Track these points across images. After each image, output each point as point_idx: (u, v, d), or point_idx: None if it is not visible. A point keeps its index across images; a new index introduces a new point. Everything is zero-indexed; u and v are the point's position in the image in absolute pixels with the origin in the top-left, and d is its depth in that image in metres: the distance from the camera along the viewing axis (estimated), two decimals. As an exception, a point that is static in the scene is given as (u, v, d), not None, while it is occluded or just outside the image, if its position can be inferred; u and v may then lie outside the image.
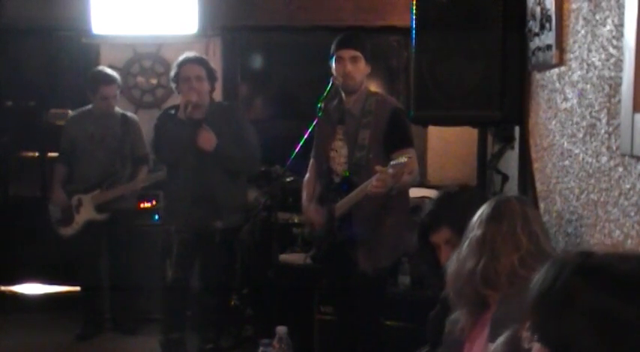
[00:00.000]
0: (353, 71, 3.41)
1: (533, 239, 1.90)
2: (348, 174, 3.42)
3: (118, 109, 4.82)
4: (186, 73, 4.04)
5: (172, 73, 4.13)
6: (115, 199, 4.67)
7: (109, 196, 4.65)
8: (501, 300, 1.85)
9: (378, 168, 3.11)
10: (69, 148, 4.75)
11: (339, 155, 3.47)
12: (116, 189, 4.67)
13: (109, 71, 4.77)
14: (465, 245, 1.94)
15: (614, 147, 2.02)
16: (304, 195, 3.69)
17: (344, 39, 3.46)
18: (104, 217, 4.67)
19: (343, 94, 3.50)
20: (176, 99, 4.88)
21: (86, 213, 4.65)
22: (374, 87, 4.45)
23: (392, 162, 3.12)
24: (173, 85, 4.16)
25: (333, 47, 3.47)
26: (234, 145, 4.05)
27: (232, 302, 4.47)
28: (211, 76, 4.13)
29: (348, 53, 3.40)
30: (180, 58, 4.13)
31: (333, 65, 3.45)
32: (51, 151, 5.26)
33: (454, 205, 2.16)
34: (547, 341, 1.14)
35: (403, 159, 3.08)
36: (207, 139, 3.96)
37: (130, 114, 4.88)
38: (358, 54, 3.41)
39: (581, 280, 1.13)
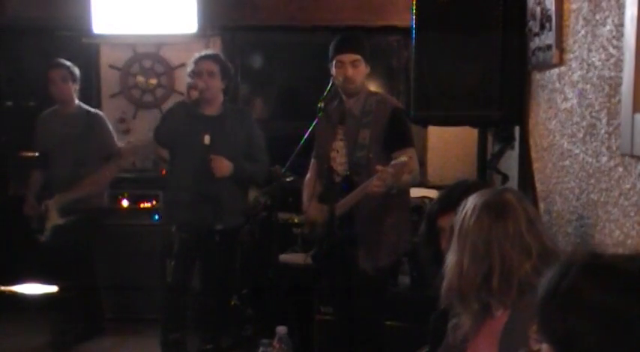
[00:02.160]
0: (354, 75, 3.41)
1: (538, 239, 1.86)
2: (348, 173, 3.41)
3: (82, 106, 4.65)
4: (199, 68, 4.05)
5: (189, 70, 4.13)
6: (80, 200, 4.46)
7: (69, 198, 4.44)
8: (513, 310, 1.81)
9: (378, 167, 3.11)
10: (43, 151, 4.57)
11: (340, 155, 3.47)
12: (75, 191, 4.47)
13: (60, 60, 4.59)
14: (468, 247, 1.87)
15: (614, 147, 2.02)
16: (305, 194, 3.69)
17: (343, 42, 3.45)
18: (68, 221, 4.45)
19: (344, 95, 3.50)
20: (176, 99, 4.90)
21: (52, 218, 4.47)
22: (374, 87, 4.45)
23: (392, 162, 3.12)
24: (189, 80, 4.15)
25: (332, 50, 3.46)
26: (245, 153, 4.06)
27: (232, 302, 4.47)
28: (226, 74, 4.12)
29: (348, 58, 3.40)
30: (197, 54, 4.15)
31: (333, 68, 3.44)
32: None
33: (469, 193, 2.11)
34: (554, 340, 1.14)
35: (404, 159, 3.08)
36: (221, 167, 3.97)
37: (93, 110, 4.70)
38: (359, 57, 3.41)
39: (588, 279, 1.13)
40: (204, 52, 4.21)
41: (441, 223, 2.28)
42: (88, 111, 4.64)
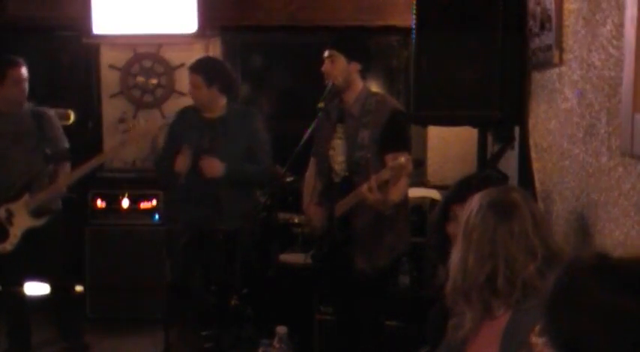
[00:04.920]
0: (329, 69, 3.41)
1: (544, 241, 1.85)
2: (347, 174, 3.41)
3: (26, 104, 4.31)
4: (189, 80, 4.08)
5: None
6: (52, 199, 4.28)
7: (42, 198, 4.22)
8: (515, 311, 1.80)
9: (372, 177, 3.12)
10: None
11: (337, 153, 3.47)
12: (47, 190, 4.23)
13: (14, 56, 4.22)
14: (473, 246, 1.86)
15: (614, 147, 2.02)
16: (305, 193, 3.69)
17: (329, 39, 3.51)
18: (43, 222, 4.22)
19: (342, 93, 3.50)
20: (176, 99, 4.91)
21: (22, 222, 4.19)
22: (374, 87, 4.45)
23: (390, 164, 3.12)
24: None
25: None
26: (247, 154, 4.04)
27: (232, 302, 4.47)
28: (213, 78, 4.04)
29: (326, 53, 3.42)
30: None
31: None
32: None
33: (487, 184, 2.10)
34: (560, 341, 1.14)
35: (402, 160, 3.06)
36: (211, 167, 3.92)
37: (41, 108, 4.38)
38: (334, 52, 3.40)
39: (597, 281, 1.13)
40: (191, 62, 4.12)
41: (456, 211, 2.26)
42: (35, 109, 4.32)
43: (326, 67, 3.42)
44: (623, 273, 1.14)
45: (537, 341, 1.20)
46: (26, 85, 4.22)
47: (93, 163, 4.31)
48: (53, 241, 4.36)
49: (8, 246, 4.19)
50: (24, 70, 4.20)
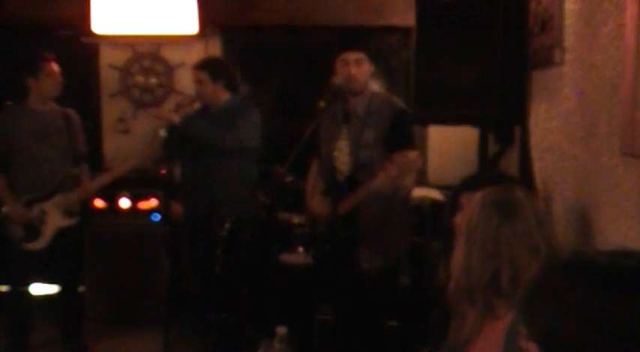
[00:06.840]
0: (357, 74, 3.42)
1: (546, 239, 1.84)
2: (351, 173, 3.43)
3: (54, 104, 4.34)
4: (193, 78, 4.11)
5: None
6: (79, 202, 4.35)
7: (74, 199, 4.29)
8: (518, 311, 1.79)
9: (387, 164, 3.14)
10: (3, 150, 4.17)
11: (343, 154, 3.48)
12: (78, 191, 4.31)
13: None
14: (476, 245, 1.85)
15: (615, 147, 2.02)
16: (307, 192, 3.70)
17: (348, 41, 3.49)
18: (74, 222, 4.30)
19: (347, 94, 3.50)
20: (175, 99, 4.89)
21: (55, 221, 4.24)
22: (374, 87, 4.45)
23: (400, 159, 3.14)
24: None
25: (336, 49, 3.49)
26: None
27: (233, 302, 4.46)
28: (218, 75, 4.12)
29: (352, 56, 3.41)
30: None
31: (337, 67, 3.46)
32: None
33: (496, 182, 2.11)
34: (538, 337, 1.15)
35: (412, 156, 3.10)
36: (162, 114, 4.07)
37: (69, 109, 4.39)
38: (362, 56, 3.42)
39: (568, 276, 1.14)
40: (191, 61, 4.23)
41: (463, 200, 2.26)
42: (64, 110, 4.36)
43: (353, 70, 3.41)
44: (594, 269, 1.14)
45: (524, 335, 1.20)
46: (60, 79, 4.26)
47: (116, 173, 4.42)
48: (78, 241, 4.44)
49: (40, 244, 4.24)
50: (56, 65, 4.25)
